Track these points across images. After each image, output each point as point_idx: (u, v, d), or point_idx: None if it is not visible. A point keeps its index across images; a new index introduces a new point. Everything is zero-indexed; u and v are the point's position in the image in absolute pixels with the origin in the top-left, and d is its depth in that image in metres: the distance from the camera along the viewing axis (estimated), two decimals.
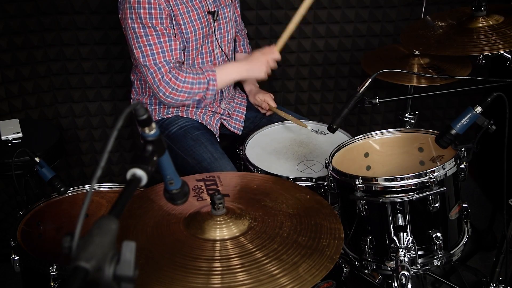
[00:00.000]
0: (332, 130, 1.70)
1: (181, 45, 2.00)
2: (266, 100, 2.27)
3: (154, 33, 1.91)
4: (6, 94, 2.49)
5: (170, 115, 2.19)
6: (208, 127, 2.21)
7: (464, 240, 1.66)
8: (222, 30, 2.15)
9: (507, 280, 1.93)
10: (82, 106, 2.67)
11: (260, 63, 2.09)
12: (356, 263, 1.67)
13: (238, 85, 2.44)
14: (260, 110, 2.33)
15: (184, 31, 1.99)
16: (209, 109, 2.22)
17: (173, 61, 1.96)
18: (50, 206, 1.91)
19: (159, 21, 1.90)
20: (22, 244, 1.68)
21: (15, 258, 1.67)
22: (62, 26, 2.47)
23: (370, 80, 1.65)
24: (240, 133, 2.31)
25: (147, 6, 1.87)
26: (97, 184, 1.99)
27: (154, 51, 1.92)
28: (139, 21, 1.89)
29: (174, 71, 1.96)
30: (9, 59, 2.44)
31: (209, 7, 2.07)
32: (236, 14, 2.32)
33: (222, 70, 2.07)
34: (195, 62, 2.11)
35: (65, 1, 2.42)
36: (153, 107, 2.19)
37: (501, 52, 1.79)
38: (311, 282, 1.13)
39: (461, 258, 2.34)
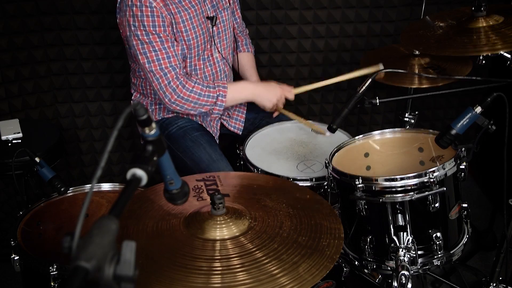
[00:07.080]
0: (332, 130, 1.71)
1: (182, 51, 2.00)
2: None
3: (158, 40, 1.91)
4: (6, 94, 2.49)
5: (170, 115, 2.19)
6: (208, 129, 2.21)
7: (464, 240, 1.66)
8: (221, 35, 2.15)
9: (507, 280, 1.93)
10: (82, 106, 2.67)
11: (273, 95, 2.11)
12: (356, 263, 1.67)
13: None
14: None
15: (185, 38, 2.00)
16: None
17: (179, 65, 1.96)
18: (50, 206, 1.91)
19: (162, 28, 1.91)
20: (22, 244, 1.68)
21: (15, 258, 1.67)
22: (62, 26, 2.47)
23: (370, 80, 1.65)
24: (240, 133, 2.31)
25: (149, 14, 1.88)
26: (97, 184, 1.99)
27: (160, 57, 1.93)
28: (142, 28, 1.89)
29: (182, 79, 1.96)
30: (9, 59, 2.44)
31: (208, 12, 2.07)
32: (236, 16, 2.32)
33: (234, 88, 2.08)
34: (197, 67, 2.11)
35: (65, 1, 2.42)
36: (153, 107, 2.19)
37: (501, 52, 1.79)
38: (311, 282, 1.13)
39: (461, 258, 2.34)
